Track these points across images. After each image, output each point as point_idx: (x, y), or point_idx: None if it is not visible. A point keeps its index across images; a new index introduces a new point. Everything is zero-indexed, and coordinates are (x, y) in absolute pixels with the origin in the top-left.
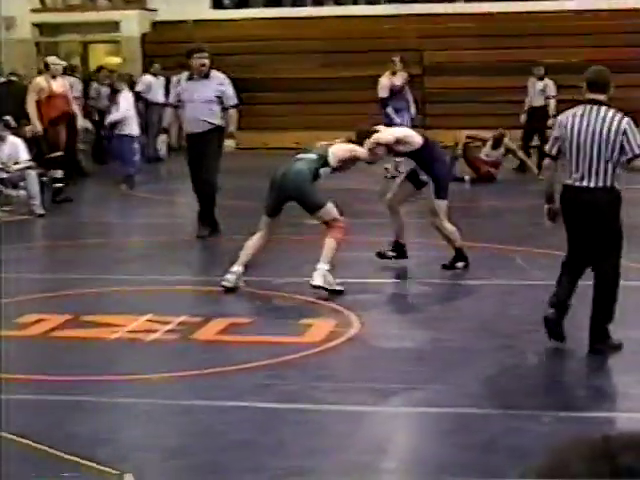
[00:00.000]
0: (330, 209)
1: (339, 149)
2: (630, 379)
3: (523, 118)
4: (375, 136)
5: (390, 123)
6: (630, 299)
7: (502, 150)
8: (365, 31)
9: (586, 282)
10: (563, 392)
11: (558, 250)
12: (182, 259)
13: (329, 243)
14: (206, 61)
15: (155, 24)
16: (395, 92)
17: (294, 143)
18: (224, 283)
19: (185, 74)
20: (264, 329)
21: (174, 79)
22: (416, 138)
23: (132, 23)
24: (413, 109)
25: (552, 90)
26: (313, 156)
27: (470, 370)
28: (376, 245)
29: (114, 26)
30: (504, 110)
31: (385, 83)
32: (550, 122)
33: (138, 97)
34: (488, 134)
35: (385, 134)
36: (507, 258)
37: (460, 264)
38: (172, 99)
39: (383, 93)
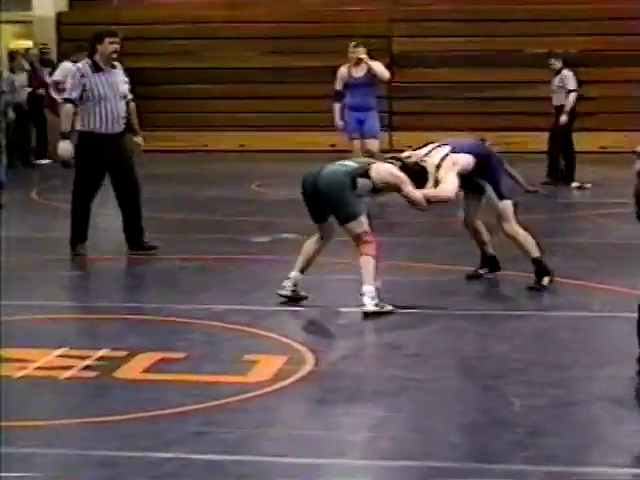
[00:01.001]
0: (362, 221)
1: (385, 169)
2: (626, 429)
3: (563, 119)
4: (435, 192)
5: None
6: None
7: None
8: (322, 13)
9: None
10: (551, 444)
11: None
12: (102, 281)
13: (365, 261)
14: (119, 47)
15: (73, 2)
16: (352, 86)
17: (239, 145)
18: (280, 292)
19: (86, 62)
20: (200, 366)
21: (71, 68)
22: (467, 159)
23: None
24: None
25: (571, 83)
26: (353, 164)
27: (446, 416)
28: (347, 268)
29: (25, 3)
30: (489, 108)
31: (340, 74)
32: (562, 119)
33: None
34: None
35: (448, 187)
36: (491, 283)
37: (546, 280)
38: (75, 94)
39: (337, 85)
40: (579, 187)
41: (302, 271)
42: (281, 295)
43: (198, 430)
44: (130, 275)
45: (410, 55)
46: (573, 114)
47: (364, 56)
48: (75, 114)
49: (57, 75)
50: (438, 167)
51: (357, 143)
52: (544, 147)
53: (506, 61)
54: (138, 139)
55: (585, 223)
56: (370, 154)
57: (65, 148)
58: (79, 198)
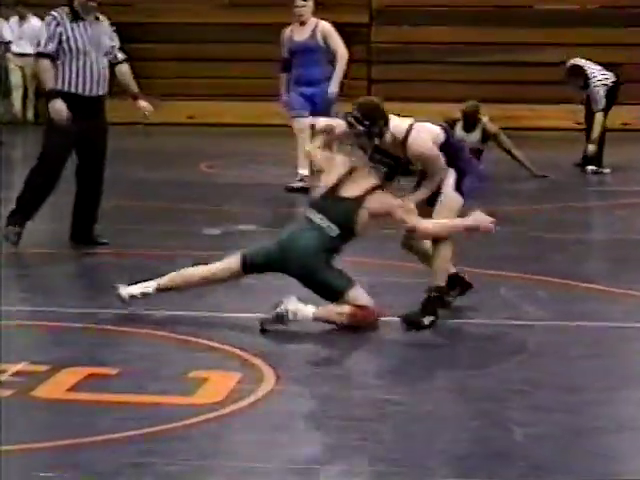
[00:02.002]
0: (357, 295)
1: (371, 200)
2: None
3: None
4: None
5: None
6: None
7: (478, 134)
8: None
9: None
10: (554, 478)
11: (559, 276)
12: (23, 279)
13: (340, 309)
14: None
15: None
16: (295, 53)
17: (187, 117)
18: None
19: (63, 10)
20: (138, 384)
21: (46, 18)
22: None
23: None
24: (334, 85)
25: (600, 102)
26: (333, 231)
27: (433, 447)
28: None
29: None
30: (489, 75)
31: (283, 37)
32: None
33: None
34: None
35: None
36: (489, 287)
37: (428, 321)
38: (50, 46)
39: (283, 53)
40: (595, 171)
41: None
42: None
43: (135, 461)
44: (57, 273)
45: (393, 10)
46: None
47: (307, 15)
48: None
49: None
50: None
51: (299, 123)
52: (556, 122)
53: (511, 19)
54: (142, 103)
55: (602, 215)
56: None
57: (58, 108)
58: (42, 168)
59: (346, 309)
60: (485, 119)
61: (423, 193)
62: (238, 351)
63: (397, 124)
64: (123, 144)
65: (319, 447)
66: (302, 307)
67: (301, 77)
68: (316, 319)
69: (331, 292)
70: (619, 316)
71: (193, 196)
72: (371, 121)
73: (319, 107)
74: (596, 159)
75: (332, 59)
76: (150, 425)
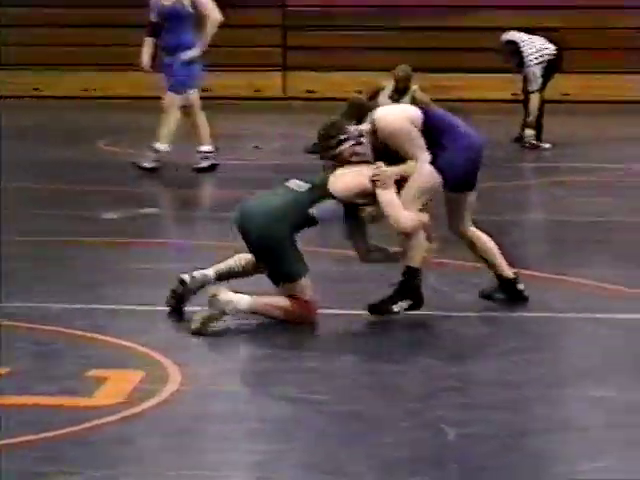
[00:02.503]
0: (303, 287)
1: (340, 179)
2: (595, 466)
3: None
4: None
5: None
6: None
7: (407, 102)
8: None
9: None
10: None
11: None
12: None
13: (276, 303)
14: None
15: None
16: (162, 18)
17: (81, 90)
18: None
19: None
20: (30, 385)
21: None
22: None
23: None
24: (193, 51)
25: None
26: (304, 187)
27: (356, 450)
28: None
29: None
30: (421, 42)
31: (151, 1)
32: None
33: None
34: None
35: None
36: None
37: (402, 305)
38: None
39: (152, 17)
40: (533, 146)
41: (219, 278)
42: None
43: (27, 469)
44: None
45: None
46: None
47: None
48: None
49: None
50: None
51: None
52: (492, 93)
53: None
54: None
55: (542, 195)
56: (186, 113)
57: None
58: None
59: (287, 303)
60: (415, 87)
61: (400, 170)
62: (140, 347)
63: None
64: (9, 120)
65: (230, 452)
66: (236, 297)
67: (168, 44)
68: (253, 311)
69: (283, 274)
70: (559, 305)
71: (91, 177)
72: (340, 133)
73: (176, 75)
74: (535, 133)
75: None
76: (47, 430)
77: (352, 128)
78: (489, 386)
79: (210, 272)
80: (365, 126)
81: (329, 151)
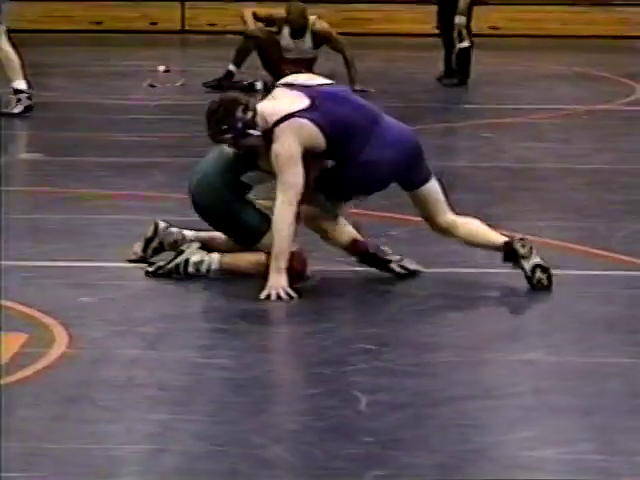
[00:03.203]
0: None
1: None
2: (517, 436)
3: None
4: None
5: None
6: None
7: (309, 40)
8: None
9: None
10: (413, 458)
11: (415, 213)
12: None
13: (253, 259)
14: None
15: None
16: None
17: None
18: None
19: None
20: None
21: None
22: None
23: None
24: None
25: None
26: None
27: (260, 420)
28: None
29: None
30: None
31: None
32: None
33: None
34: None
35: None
36: None
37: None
38: None
39: None
40: (450, 83)
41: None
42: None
43: None
44: None
45: None
46: None
47: None
48: None
49: None
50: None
51: None
52: (410, 26)
53: None
54: None
55: (467, 139)
56: None
57: None
58: None
59: (258, 257)
60: (313, 19)
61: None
62: (22, 307)
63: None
64: None
65: (122, 423)
66: (207, 256)
67: None
68: (224, 270)
69: (246, 233)
70: (485, 260)
71: None
72: (223, 122)
73: None
74: (462, 72)
75: None
76: None
77: (238, 116)
78: (404, 349)
79: (189, 234)
80: (257, 120)
81: (216, 137)
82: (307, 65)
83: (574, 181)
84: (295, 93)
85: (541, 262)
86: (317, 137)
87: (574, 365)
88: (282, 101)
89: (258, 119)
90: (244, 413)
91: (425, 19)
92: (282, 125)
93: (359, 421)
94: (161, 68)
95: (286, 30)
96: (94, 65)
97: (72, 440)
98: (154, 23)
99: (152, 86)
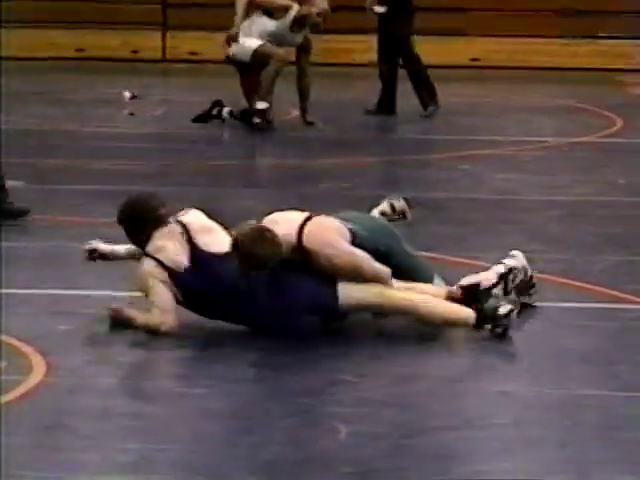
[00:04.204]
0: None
1: None
2: (500, 467)
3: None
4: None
5: None
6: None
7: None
8: None
9: None
10: None
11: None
12: None
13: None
14: None
15: None
16: None
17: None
18: None
19: None
20: None
21: None
22: None
23: None
24: None
25: None
26: None
27: (237, 450)
28: None
29: None
30: None
31: None
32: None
33: None
34: None
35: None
36: None
37: None
38: None
39: None
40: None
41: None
42: None
43: None
44: None
45: None
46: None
47: None
48: None
49: None
50: None
51: None
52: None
53: None
54: None
55: (444, 171)
56: None
57: None
58: None
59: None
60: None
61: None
62: (0, 335)
63: None
64: None
65: (100, 452)
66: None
67: None
68: None
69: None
70: None
71: None
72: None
73: None
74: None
75: None
76: None
77: None
78: (382, 380)
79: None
80: None
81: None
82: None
83: (553, 213)
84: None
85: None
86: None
87: (551, 397)
88: None
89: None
90: (221, 443)
91: None
92: None
93: (338, 452)
94: (127, 94)
95: (288, 19)
96: (75, 92)
97: (49, 468)
98: (135, 51)
99: (132, 114)
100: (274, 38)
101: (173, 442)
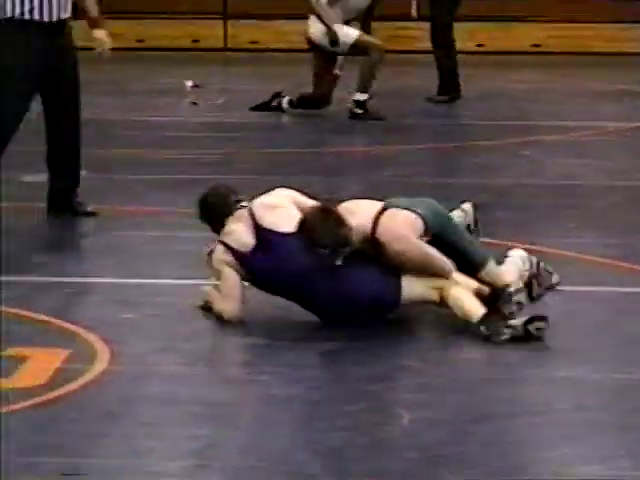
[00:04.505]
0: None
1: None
2: (559, 453)
3: None
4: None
5: None
6: None
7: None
8: None
9: None
10: (456, 474)
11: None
12: None
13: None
14: None
15: None
16: None
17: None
18: None
19: None
20: None
21: None
22: None
23: None
24: None
25: None
26: None
27: (303, 436)
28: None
29: None
30: None
31: None
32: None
33: None
34: None
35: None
36: None
37: None
38: None
39: None
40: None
41: None
42: None
43: None
44: None
45: None
46: None
47: None
48: None
49: None
50: None
51: None
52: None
53: None
54: (100, 33)
55: (509, 157)
56: None
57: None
58: None
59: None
60: None
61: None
62: (65, 323)
63: None
64: None
65: (164, 439)
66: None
67: None
68: None
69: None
70: None
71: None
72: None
73: None
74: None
75: None
76: None
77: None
78: (447, 365)
79: None
80: None
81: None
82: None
83: (616, 198)
84: None
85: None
86: None
87: (612, 382)
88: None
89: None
90: (286, 429)
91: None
92: None
93: (402, 437)
94: (189, 84)
95: None
96: (136, 82)
97: (113, 456)
98: (196, 40)
99: (194, 104)
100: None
101: (239, 429)
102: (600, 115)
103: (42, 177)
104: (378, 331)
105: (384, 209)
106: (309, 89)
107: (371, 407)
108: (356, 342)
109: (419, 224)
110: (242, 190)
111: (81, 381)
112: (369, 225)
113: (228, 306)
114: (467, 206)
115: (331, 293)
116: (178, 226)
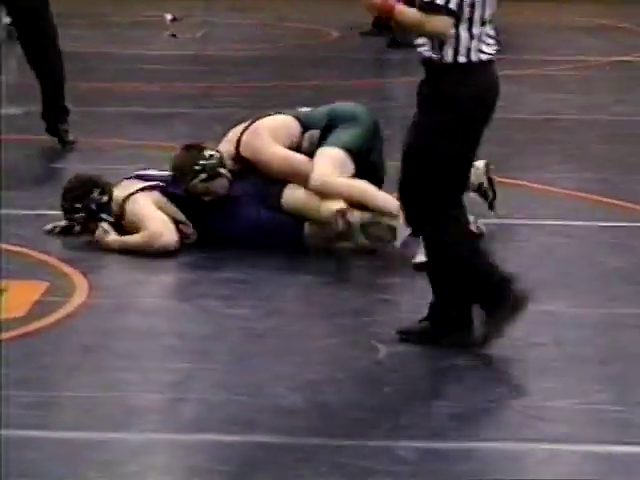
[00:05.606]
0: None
1: None
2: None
3: None
4: None
5: None
6: None
7: None
8: None
9: None
10: (432, 409)
11: None
12: None
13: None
14: None
15: None
16: None
17: None
18: None
19: None
20: None
21: None
22: None
23: None
24: None
25: None
26: None
27: (279, 369)
28: None
29: None
30: None
31: None
32: None
33: None
34: None
35: None
36: None
37: None
38: None
39: None
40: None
41: None
42: None
43: None
44: None
45: None
46: None
47: None
48: None
49: None
50: None
51: None
52: None
53: None
54: None
55: None
56: None
57: None
58: None
59: None
60: None
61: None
62: (44, 256)
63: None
64: None
65: (140, 371)
66: None
67: None
68: None
69: None
70: (507, 211)
71: None
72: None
73: None
74: None
75: None
76: None
77: (94, 198)
78: (424, 300)
79: None
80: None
81: (68, 213)
82: None
83: (594, 133)
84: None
85: None
86: None
87: (591, 316)
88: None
89: (113, 204)
90: (263, 363)
91: None
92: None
93: (378, 371)
94: (168, 17)
95: None
96: (116, 15)
97: (91, 389)
98: None
99: (173, 36)
100: None
101: (216, 362)
102: (580, 49)
103: (20, 109)
104: (352, 269)
105: (249, 126)
106: (290, 23)
107: (348, 341)
108: (330, 276)
109: (292, 124)
110: (222, 122)
111: (60, 314)
112: (232, 146)
113: (166, 231)
114: (480, 163)
115: (227, 221)
116: (156, 159)
